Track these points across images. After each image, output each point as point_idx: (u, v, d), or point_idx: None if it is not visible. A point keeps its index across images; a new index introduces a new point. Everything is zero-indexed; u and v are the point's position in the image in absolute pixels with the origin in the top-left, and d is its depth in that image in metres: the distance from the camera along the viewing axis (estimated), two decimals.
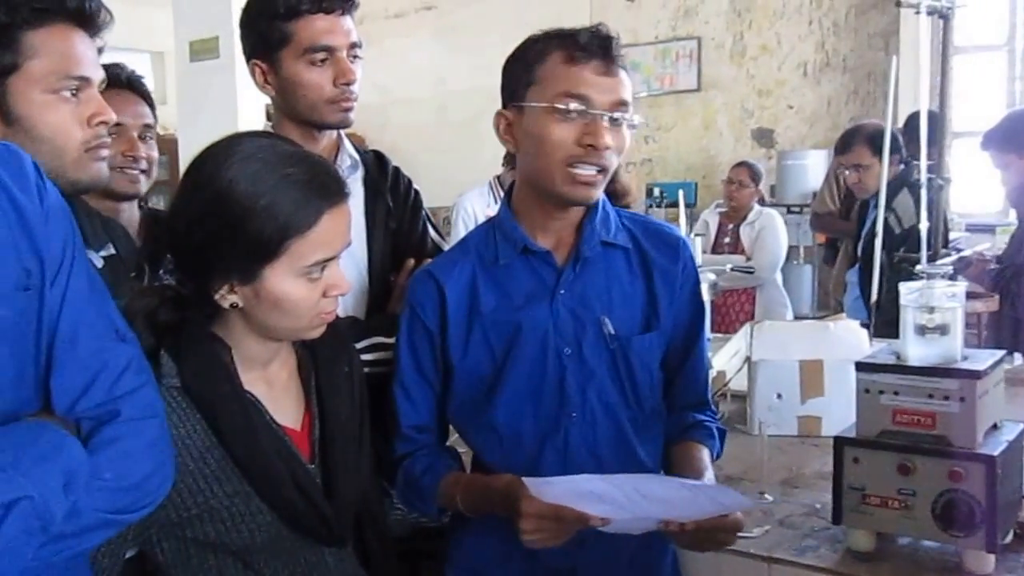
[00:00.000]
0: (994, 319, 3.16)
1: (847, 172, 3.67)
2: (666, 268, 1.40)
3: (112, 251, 1.66)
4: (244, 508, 1.20)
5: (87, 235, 1.54)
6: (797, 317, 4.42)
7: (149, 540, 1.20)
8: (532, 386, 1.36)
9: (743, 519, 1.22)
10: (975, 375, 1.30)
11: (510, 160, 3.09)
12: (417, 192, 1.78)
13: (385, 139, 6.51)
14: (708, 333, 1.87)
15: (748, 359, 2.06)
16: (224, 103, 4.54)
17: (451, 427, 1.49)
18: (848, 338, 2.05)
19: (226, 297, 1.20)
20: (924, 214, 2.56)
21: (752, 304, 4.33)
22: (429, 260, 1.59)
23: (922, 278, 1.39)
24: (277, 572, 1.24)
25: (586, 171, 1.28)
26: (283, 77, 1.57)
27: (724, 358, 2.32)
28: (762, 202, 4.70)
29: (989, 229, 4.53)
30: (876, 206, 3.00)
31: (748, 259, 4.26)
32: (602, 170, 1.30)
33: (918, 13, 2.47)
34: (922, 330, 1.36)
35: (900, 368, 1.35)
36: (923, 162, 2.60)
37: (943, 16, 2.49)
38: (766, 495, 1.65)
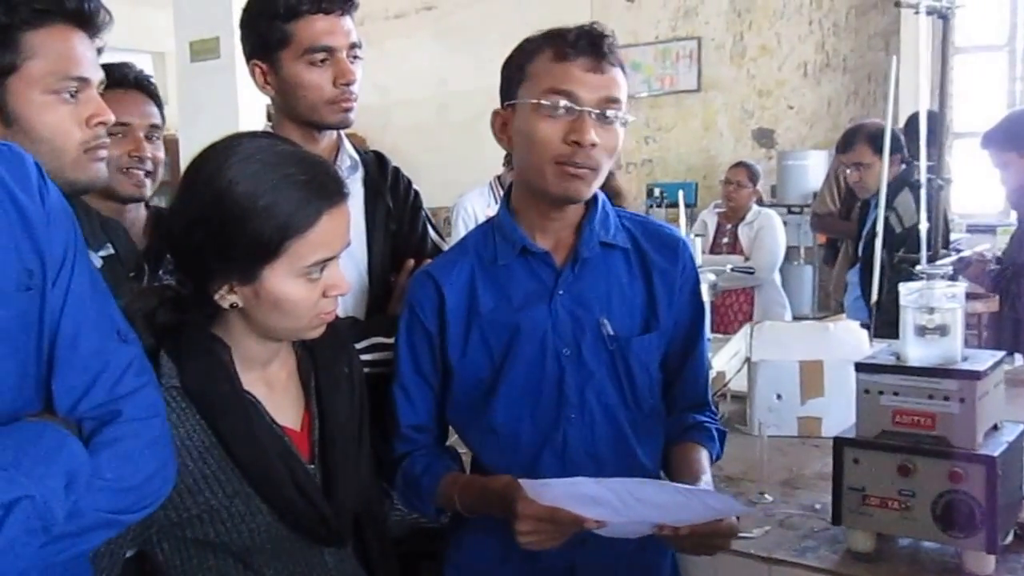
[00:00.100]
0: (994, 320, 3.15)
1: (848, 171, 3.67)
2: (665, 269, 1.40)
3: (111, 251, 1.66)
4: (244, 508, 1.20)
5: (86, 235, 1.54)
6: (798, 318, 4.43)
7: (149, 540, 1.20)
8: (531, 387, 1.36)
9: (738, 523, 1.22)
10: (975, 376, 1.30)
11: (510, 160, 3.10)
12: (417, 192, 1.78)
13: (386, 140, 6.51)
14: (708, 334, 1.87)
15: (748, 360, 2.06)
16: (225, 103, 4.54)
17: (451, 428, 1.49)
18: (848, 339, 2.05)
19: (226, 297, 1.20)
20: (924, 215, 2.56)
21: (750, 304, 4.34)
22: (429, 261, 1.59)
23: (922, 278, 1.39)
24: (277, 572, 1.24)
25: (573, 168, 1.28)
26: (283, 77, 1.58)
27: (724, 359, 2.32)
28: (760, 202, 4.70)
29: (990, 230, 4.53)
30: (877, 206, 3.00)
31: (746, 259, 4.26)
32: (591, 168, 1.29)
33: (917, 13, 2.48)
34: (922, 331, 1.36)
35: (900, 369, 1.35)
36: (923, 162, 2.60)
37: (942, 16, 2.50)
38: (766, 496, 1.65)
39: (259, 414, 1.23)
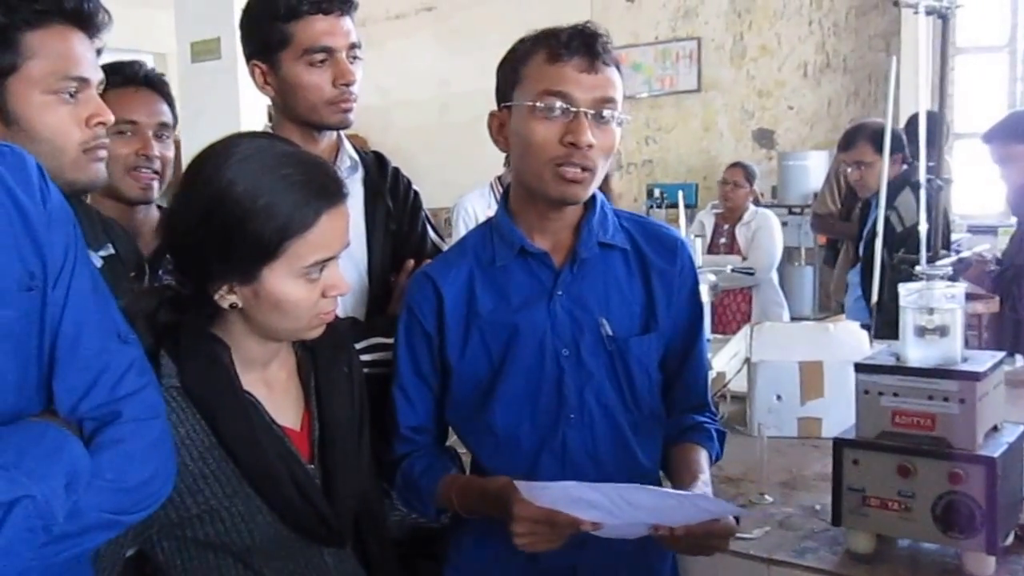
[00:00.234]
0: (995, 320, 3.15)
1: (849, 169, 3.67)
2: (664, 269, 1.40)
3: (111, 251, 1.66)
4: (244, 508, 1.20)
5: (87, 235, 1.54)
6: (798, 319, 4.43)
7: (149, 540, 1.21)
8: (530, 388, 1.36)
9: (737, 524, 1.22)
10: (975, 377, 1.30)
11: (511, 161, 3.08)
12: (417, 193, 1.78)
13: (387, 141, 6.51)
14: (708, 334, 1.87)
15: (748, 360, 2.06)
16: (226, 104, 4.54)
17: (451, 428, 1.49)
18: (848, 339, 2.05)
19: (225, 297, 1.20)
20: (924, 215, 2.56)
21: (748, 304, 4.35)
22: (429, 261, 1.59)
23: (921, 279, 1.39)
24: (277, 572, 1.24)
25: (571, 170, 1.28)
26: (283, 78, 1.58)
27: (724, 359, 2.32)
28: (757, 202, 4.71)
29: (991, 230, 4.52)
30: (878, 206, 3.00)
31: (744, 259, 4.27)
32: (588, 169, 1.29)
33: (916, 13, 2.48)
34: (922, 331, 1.36)
35: (900, 369, 1.35)
36: (922, 163, 2.60)
37: (942, 16, 2.49)
38: (766, 496, 1.64)
39: (259, 414, 1.23)
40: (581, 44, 1.27)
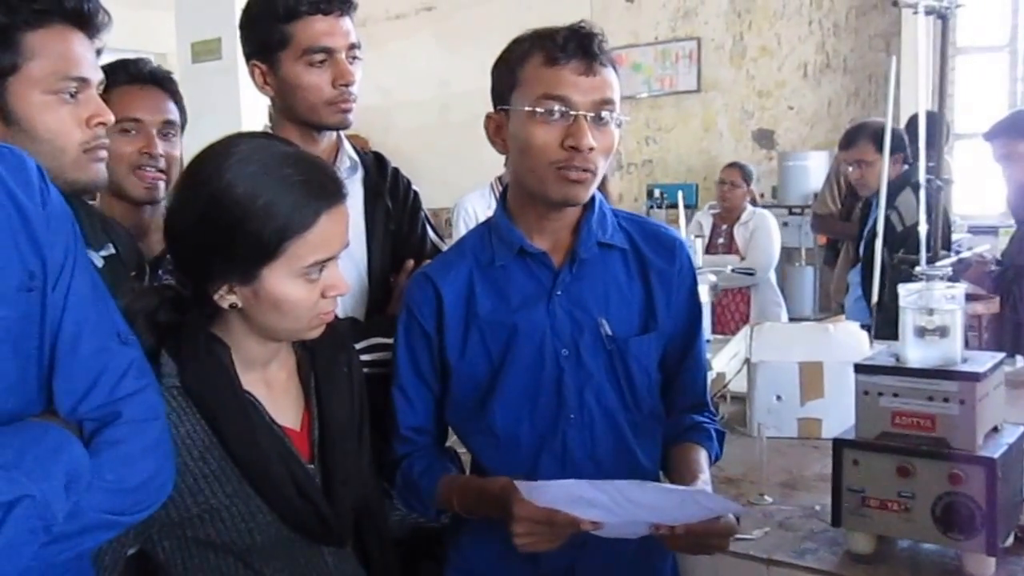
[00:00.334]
0: (995, 321, 3.15)
1: (850, 168, 3.67)
2: (663, 269, 1.40)
3: (112, 251, 1.66)
4: (244, 508, 1.20)
5: (87, 235, 1.54)
6: (798, 319, 4.43)
7: (150, 539, 1.21)
8: (529, 389, 1.36)
9: (737, 524, 1.22)
10: (975, 377, 1.29)
11: None
12: (416, 193, 1.78)
13: (388, 141, 6.52)
14: (707, 334, 1.87)
15: (748, 361, 2.06)
16: (226, 104, 4.54)
17: (451, 429, 1.49)
18: (848, 340, 2.04)
19: (225, 298, 1.20)
20: (924, 216, 2.56)
21: (747, 304, 4.35)
22: (428, 261, 1.59)
23: (921, 280, 1.39)
24: (277, 572, 1.24)
25: (573, 173, 1.28)
26: (282, 78, 1.58)
27: (724, 360, 2.32)
28: (754, 202, 4.71)
29: (991, 231, 4.53)
30: (878, 206, 3.00)
31: (742, 259, 4.28)
32: (589, 171, 1.29)
33: (916, 13, 2.47)
34: (921, 332, 1.36)
35: (899, 370, 1.35)
36: (922, 163, 2.60)
37: (941, 16, 2.49)
38: (766, 497, 1.64)
39: (259, 414, 1.23)
40: (578, 46, 1.26)
